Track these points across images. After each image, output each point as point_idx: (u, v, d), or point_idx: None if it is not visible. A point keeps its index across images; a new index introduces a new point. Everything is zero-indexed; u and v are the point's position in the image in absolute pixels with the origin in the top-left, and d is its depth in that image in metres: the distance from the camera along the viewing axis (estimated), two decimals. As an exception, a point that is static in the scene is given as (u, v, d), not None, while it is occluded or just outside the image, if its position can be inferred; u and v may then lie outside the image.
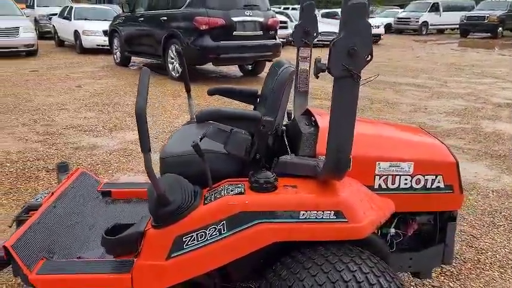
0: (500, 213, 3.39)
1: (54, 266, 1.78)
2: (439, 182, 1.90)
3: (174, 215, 1.64)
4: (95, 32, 13.45)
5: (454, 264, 2.69)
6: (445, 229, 2.02)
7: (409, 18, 26.02)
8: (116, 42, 11.19)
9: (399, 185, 1.89)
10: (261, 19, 8.90)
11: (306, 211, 1.62)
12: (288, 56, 14.07)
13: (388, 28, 26.53)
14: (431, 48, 17.95)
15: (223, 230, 1.63)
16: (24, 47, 12.29)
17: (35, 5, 19.44)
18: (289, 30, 17.79)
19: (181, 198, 1.66)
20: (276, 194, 1.67)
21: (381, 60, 13.64)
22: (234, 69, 10.65)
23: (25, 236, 1.83)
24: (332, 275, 1.51)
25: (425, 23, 25.39)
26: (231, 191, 1.70)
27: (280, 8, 24.04)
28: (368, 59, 1.43)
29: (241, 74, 10.30)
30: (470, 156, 4.72)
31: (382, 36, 20.99)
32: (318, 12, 24.29)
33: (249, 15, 8.69)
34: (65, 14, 15.10)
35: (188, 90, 2.65)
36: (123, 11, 10.99)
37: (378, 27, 20.47)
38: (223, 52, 8.44)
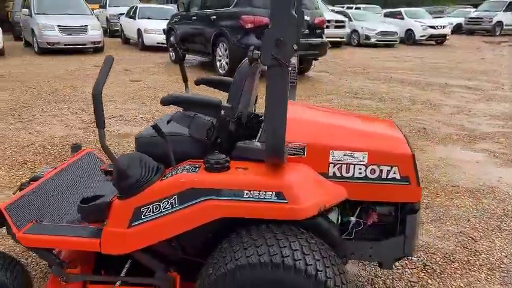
0: (511, 217, 3.26)
1: (40, 228, 2.05)
2: (394, 173, 1.94)
3: (134, 188, 1.84)
4: (155, 30, 14.18)
5: (439, 263, 2.67)
6: (406, 221, 2.04)
7: (482, 18, 24.56)
8: (172, 40, 11.76)
9: (353, 174, 1.94)
10: (307, 18, 8.95)
11: (249, 191, 1.75)
12: (343, 56, 13.97)
13: (459, 28, 25.29)
14: (501, 50, 16.92)
15: (175, 204, 1.80)
16: (91, 43, 13.27)
17: (107, 5, 20.78)
18: (347, 30, 17.59)
19: (140, 173, 1.85)
20: (224, 174, 1.81)
21: (441, 61, 13.13)
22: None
23: (19, 201, 2.12)
24: (263, 252, 1.63)
25: (499, 23, 23.86)
26: (187, 169, 1.86)
27: (343, 7, 23.74)
28: (296, 48, 1.53)
29: (289, 72, 10.38)
30: (501, 161, 4.51)
31: (448, 37, 20.08)
32: (381, 12, 23.72)
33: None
34: (131, 14, 16.06)
35: (185, 81, 2.84)
36: (178, 10, 11.53)
37: (443, 28, 19.60)
38: (268, 50, 8.59)
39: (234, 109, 2.00)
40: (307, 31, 8.95)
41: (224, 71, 9.17)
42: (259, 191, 1.75)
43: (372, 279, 2.51)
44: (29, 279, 2.12)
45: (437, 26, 19.61)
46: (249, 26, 8.49)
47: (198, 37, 10.17)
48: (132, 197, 1.85)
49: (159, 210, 1.81)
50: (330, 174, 1.94)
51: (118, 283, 2.07)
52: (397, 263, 2.65)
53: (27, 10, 13.62)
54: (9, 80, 8.47)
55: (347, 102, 7.09)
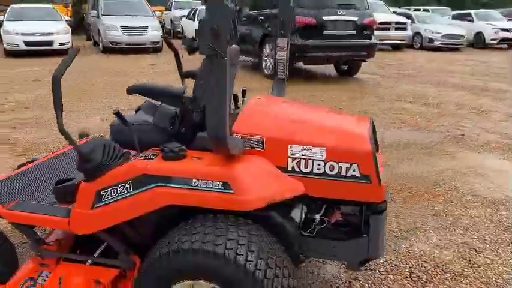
0: (527, 232, 3.00)
1: (23, 205, 2.22)
2: (354, 171, 1.88)
3: (95, 172, 1.94)
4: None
5: (429, 272, 2.52)
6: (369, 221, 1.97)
7: None
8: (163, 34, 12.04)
9: (312, 170, 1.91)
10: (355, 18, 8.77)
11: (198, 179, 1.78)
12: (401, 58, 13.48)
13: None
14: None
15: (130, 189, 1.87)
16: (151, 43, 13.92)
17: (172, 7, 21.65)
18: (409, 32, 16.93)
19: (101, 158, 1.95)
20: (176, 162, 1.85)
21: (500, 66, 12.25)
22: (329, 68, 10.60)
23: (8, 180, 2.31)
24: (198, 239, 1.66)
25: None
26: (145, 156, 1.94)
27: (409, 8, 22.83)
28: (228, 39, 1.54)
29: (337, 73, 10.23)
30: (536, 172, 4.15)
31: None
32: (450, 13, 22.53)
33: (342, 15, 8.65)
34: (191, 15, 16.62)
35: (182, 76, 2.91)
36: (230, 12, 11.76)
37: (510, 31, 18.17)
38: (311, 51, 8.55)
39: (197, 100, 2.04)
40: (354, 32, 8.77)
41: (269, 72, 9.23)
42: (207, 181, 1.77)
43: (350, 282, 2.43)
44: (15, 256, 2.30)
45: (510, 29, 18.26)
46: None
47: (248, 38, 10.32)
48: (94, 180, 1.95)
49: (116, 194, 1.89)
50: (288, 169, 1.92)
51: (88, 262, 2.18)
52: (383, 269, 2.55)
53: (95, 12, 14.56)
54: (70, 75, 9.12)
55: (386, 106, 6.85)
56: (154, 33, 13.84)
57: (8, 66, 10.64)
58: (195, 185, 1.78)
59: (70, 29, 13.53)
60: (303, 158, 1.91)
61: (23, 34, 12.16)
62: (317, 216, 2.04)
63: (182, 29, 17.73)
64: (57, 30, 12.65)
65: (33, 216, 2.13)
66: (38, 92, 7.41)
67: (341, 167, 1.88)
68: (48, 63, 10.59)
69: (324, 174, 1.90)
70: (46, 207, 2.17)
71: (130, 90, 2.05)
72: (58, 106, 1.80)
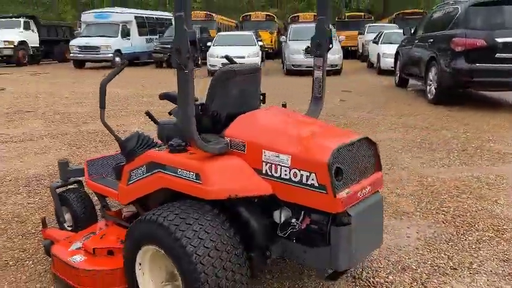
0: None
1: (100, 179, 2.98)
2: (313, 180, 2.00)
3: (129, 157, 2.54)
4: (391, 55, 14.31)
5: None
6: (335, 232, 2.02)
7: None
8: (398, 64, 11.76)
9: (280, 175, 2.10)
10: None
11: (182, 169, 2.18)
12: None
13: None
14: None
15: (144, 172, 2.40)
16: (329, 66, 14.54)
17: (365, 31, 21.91)
18: None
19: (134, 146, 2.53)
20: (175, 155, 2.29)
21: None
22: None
23: (101, 159, 3.11)
24: (162, 215, 2.05)
25: None
26: (159, 148, 2.44)
27: None
28: (187, 56, 1.90)
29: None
30: None
31: None
32: None
33: (520, 36, 7.57)
34: (376, 39, 16.63)
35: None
36: (403, 34, 11.44)
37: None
38: (478, 76, 7.74)
39: (204, 107, 2.43)
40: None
41: (431, 97, 8.72)
42: (187, 171, 2.17)
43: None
44: (95, 215, 3.07)
45: None
46: (460, 49, 7.84)
47: (417, 61, 9.93)
48: (128, 163, 2.55)
49: (137, 175, 2.45)
50: (263, 172, 2.17)
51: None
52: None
53: (284, 37, 16.03)
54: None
55: None
56: (334, 57, 14.43)
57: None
58: (179, 173, 2.19)
59: (261, 53, 15.26)
60: (273, 163, 2.12)
61: (221, 57, 14.32)
62: (293, 220, 2.18)
63: (368, 52, 17.85)
64: (249, 54, 14.45)
65: (102, 187, 2.86)
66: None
67: (302, 174, 2.03)
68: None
69: (290, 180, 2.08)
70: (111, 182, 2.88)
71: (161, 97, 2.60)
72: (102, 105, 2.47)
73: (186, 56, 1.94)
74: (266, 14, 27.36)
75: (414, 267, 2.72)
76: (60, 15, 34.63)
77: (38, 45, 21.11)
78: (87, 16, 20.53)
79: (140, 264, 2.19)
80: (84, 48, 18.11)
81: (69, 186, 3.15)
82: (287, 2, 41.87)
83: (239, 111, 2.43)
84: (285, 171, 2.08)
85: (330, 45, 2.71)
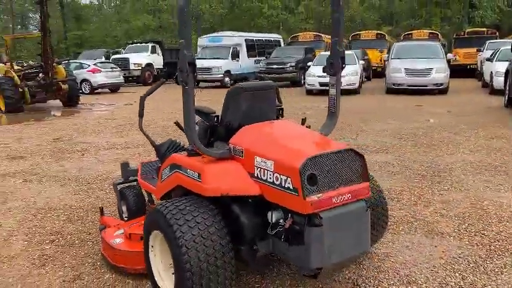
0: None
1: (147, 178, 3.50)
2: (289, 183, 2.24)
3: (161, 159, 3.01)
4: (501, 73, 13.18)
5: None
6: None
7: None
8: (508, 83, 10.83)
9: (267, 178, 2.37)
10: None
11: (190, 170, 2.58)
12: None
13: None
14: None
15: (168, 172, 2.85)
16: (433, 85, 13.93)
17: (485, 48, 20.34)
18: None
19: (164, 151, 3.00)
20: (189, 158, 2.69)
21: None
22: None
23: (154, 162, 3.66)
24: (166, 205, 2.46)
25: None
26: (182, 152, 2.87)
27: None
28: (187, 74, 2.30)
29: None
30: None
31: None
32: None
33: None
34: (490, 57, 15.42)
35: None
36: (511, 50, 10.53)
37: None
38: None
39: (219, 118, 2.80)
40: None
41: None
42: (193, 171, 2.57)
43: None
44: (144, 206, 3.62)
45: None
46: None
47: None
48: (161, 165, 3.04)
49: (165, 174, 2.92)
50: (255, 175, 2.48)
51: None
52: None
53: (386, 56, 15.73)
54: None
55: None
56: (438, 75, 13.79)
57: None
58: (188, 173, 2.60)
59: (362, 71, 15.15)
60: (262, 168, 2.41)
61: (318, 76, 14.63)
62: (281, 220, 2.43)
63: (482, 69, 16.59)
64: (347, 73, 14.45)
65: (148, 185, 3.41)
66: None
67: (282, 178, 2.30)
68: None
69: (273, 183, 2.35)
70: (155, 181, 3.40)
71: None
72: (140, 114, 3.01)
73: (185, 75, 2.34)
74: (377, 33, 26.88)
75: (420, 283, 2.73)
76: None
77: (162, 67, 23.66)
78: (203, 40, 22.49)
79: (152, 246, 2.63)
80: (198, 70, 19.82)
81: (128, 184, 3.75)
82: (403, 19, 40.48)
83: (250, 123, 2.76)
84: (270, 175, 2.36)
85: (343, 65, 2.89)
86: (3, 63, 13.99)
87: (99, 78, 18.17)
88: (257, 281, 2.83)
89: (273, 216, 2.44)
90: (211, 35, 23.83)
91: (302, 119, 3.15)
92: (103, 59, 22.94)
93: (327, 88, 2.96)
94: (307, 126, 3.03)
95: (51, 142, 7.72)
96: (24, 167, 5.94)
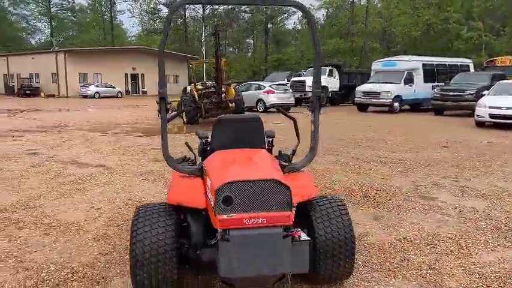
0: None
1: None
2: (212, 202, 2.59)
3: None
4: None
5: None
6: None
7: None
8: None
9: (208, 195, 2.78)
10: None
11: (170, 181, 3.17)
12: None
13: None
14: None
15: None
16: None
17: None
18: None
19: (183, 160, 3.63)
20: (180, 172, 3.26)
21: None
22: None
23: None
24: (142, 211, 3.07)
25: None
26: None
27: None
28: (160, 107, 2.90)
29: None
30: None
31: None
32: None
33: None
34: None
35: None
36: None
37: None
38: None
39: (205, 142, 3.31)
40: None
41: None
42: (171, 182, 3.16)
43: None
44: None
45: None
46: None
47: None
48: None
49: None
50: (206, 191, 2.91)
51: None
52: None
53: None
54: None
55: None
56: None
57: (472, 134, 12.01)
58: (170, 184, 3.20)
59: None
60: (208, 186, 2.84)
61: (489, 107, 13.04)
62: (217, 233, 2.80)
63: None
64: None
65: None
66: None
67: (210, 196, 2.69)
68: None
69: (210, 199, 2.75)
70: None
71: (196, 133, 3.62)
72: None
73: (161, 107, 2.95)
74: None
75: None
76: (367, 62, 37.69)
77: (337, 90, 24.31)
78: (377, 64, 22.23)
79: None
80: (367, 94, 19.83)
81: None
82: None
83: (230, 148, 3.20)
84: (208, 192, 2.77)
85: (323, 102, 3.07)
86: (192, 83, 16.93)
87: (271, 99, 19.91)
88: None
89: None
90: (386, 59, 23.38)
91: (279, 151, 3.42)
92: (285, 81, 24.95)
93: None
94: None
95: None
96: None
